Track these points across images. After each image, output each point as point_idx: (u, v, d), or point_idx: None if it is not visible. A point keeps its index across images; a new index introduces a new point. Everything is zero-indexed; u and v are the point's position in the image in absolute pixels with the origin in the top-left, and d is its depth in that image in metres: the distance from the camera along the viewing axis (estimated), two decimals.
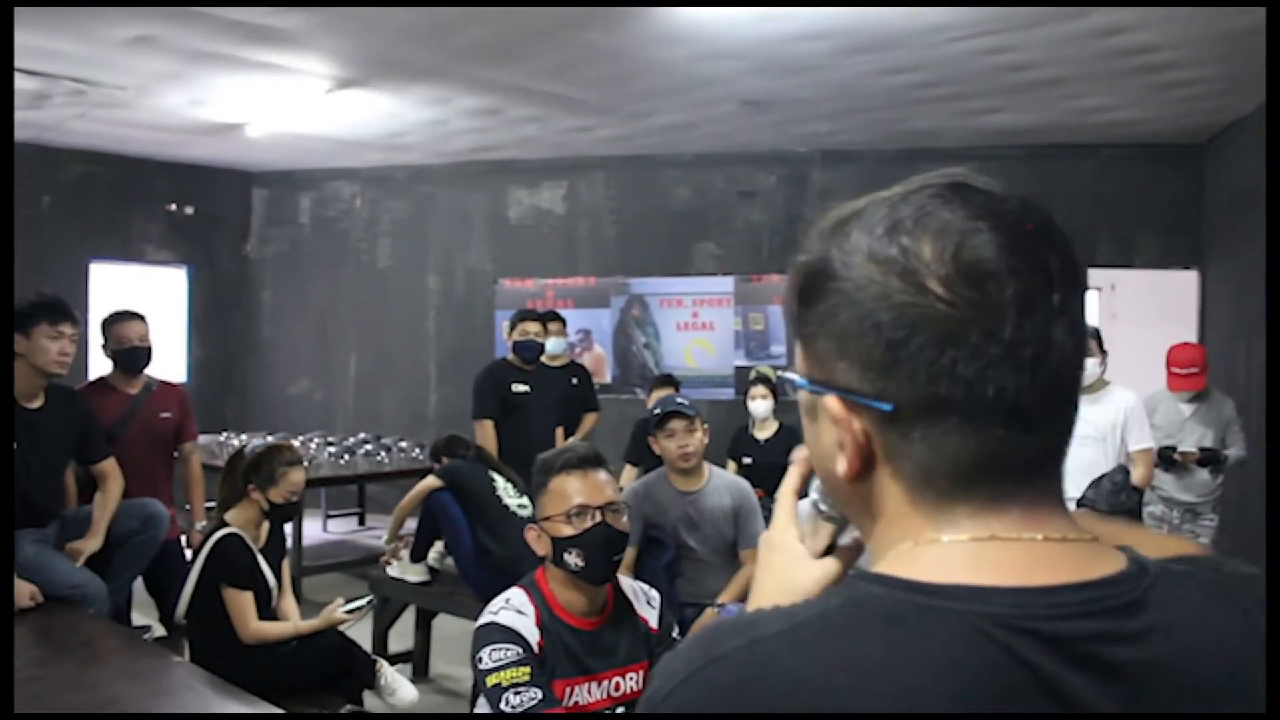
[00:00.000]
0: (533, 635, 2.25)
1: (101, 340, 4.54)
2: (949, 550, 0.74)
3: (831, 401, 0.76)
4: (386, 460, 7.57)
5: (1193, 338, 7.22)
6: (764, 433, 6.08)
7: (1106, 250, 7.98)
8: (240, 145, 8.36)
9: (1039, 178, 7.96)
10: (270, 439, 6.33)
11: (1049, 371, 0.72)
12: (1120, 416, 4.60)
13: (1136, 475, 4.49)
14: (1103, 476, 4.30)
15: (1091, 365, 4.58)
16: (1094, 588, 0.72)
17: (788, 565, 0.94)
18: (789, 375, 0.85)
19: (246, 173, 9.75)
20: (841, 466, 0.77)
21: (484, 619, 2.29)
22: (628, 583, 2.50)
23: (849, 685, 0.68)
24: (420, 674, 5.20)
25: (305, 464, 4.29)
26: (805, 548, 0.94)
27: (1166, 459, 5.11)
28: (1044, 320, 0.72)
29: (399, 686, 4.14)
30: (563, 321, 6.38)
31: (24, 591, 3.57)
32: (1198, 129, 7.30)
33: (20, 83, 6.67)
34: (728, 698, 0.71)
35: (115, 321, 4.55)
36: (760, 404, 6.04)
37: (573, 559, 2.31)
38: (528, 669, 2.18)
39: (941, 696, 0.67)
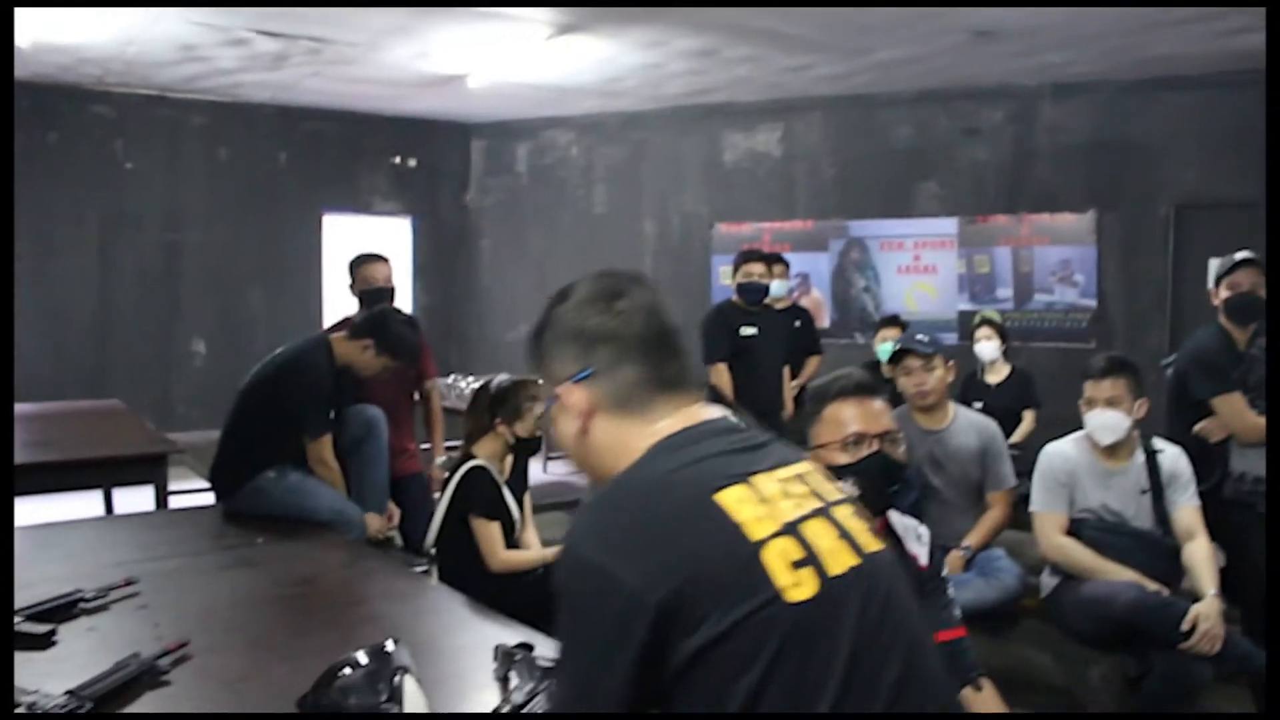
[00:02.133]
0: None
1: (349, 280, 4.74)
2: (672, 422, 1.40)
3: (560, 388, 1.45)
4: None
5: None
6: (995, 376, 5.85)
7: None
8: (460, 97, 8.56)
9: None
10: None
11: (654, 333, 1.43)
12: None
13: None
14: None
15: None
16: (711, 422, 1.43)
17: None
18: (545, 400, 1.54)
19: (466, 124, 10.01)
20: (574, 426, 1.45)
21: None
22: (897, 518, 2.42)
23: (675, 464, 1.33)
24: None
25: None
26: None
27: None
28: (640, 309, 1.44)
29: None
30: (786, 264, 6.31)
31: (374, 522, 3.87)
32: None
33: (262, 45, 7.01)
34: (629, 503, 1.32)
35: (362, 263, 4.74)
36: (986, 345, 5.80)
37: (848, 488, 2.25)
38: None
39: (711, 454, 1.35)
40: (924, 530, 2.43)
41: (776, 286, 6.06)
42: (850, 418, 2.29)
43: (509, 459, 3.97)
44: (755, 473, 1.30)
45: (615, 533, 1.23)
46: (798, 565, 1.23)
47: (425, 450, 5.05)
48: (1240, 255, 4.11)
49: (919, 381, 3.75)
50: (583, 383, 1.40)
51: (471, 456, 3.88)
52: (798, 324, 6.29)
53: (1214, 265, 4.12)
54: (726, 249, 8.24)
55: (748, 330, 5.48)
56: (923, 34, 6.65)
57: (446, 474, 4.05)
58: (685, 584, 1.17)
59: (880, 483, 2.27)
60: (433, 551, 3.97)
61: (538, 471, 8.49)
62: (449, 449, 4.97)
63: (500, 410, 3.89)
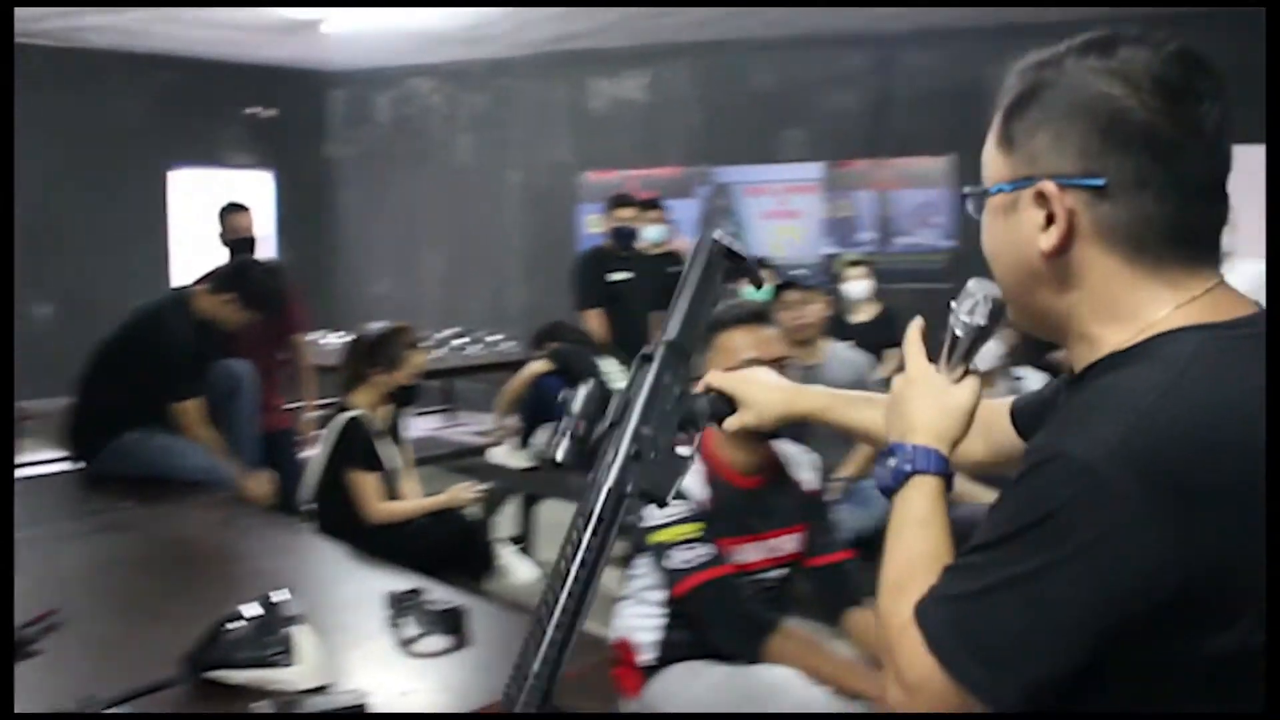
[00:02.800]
0: (699, 492, 2.22)
1: (219, 229, 4.60)
2: (1205, 302, 0.95)
3: (1046, 185, 0.96)
4: (477, 352, 7.59)
5: None
6: (862, 316, 5.97)
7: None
8: (317, 44, 8.27)
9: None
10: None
11: (1219, 163, 0.96)
12: (1251, 284, 4.43)
13: None
14: None
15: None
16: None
17: (939, 391, 1.09)
18: (975, 190, 1.07)
19: (323, 73, 9.68)
20: (1050, 240, 0.96)
21: None
22: (785, 444, 2.46)
23: (1252, 400, 0.88)
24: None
25: None
26: (944, 377, 1.10)
27: None
28: (1216, 125, 0.94)
29: (517, 567, 4.20)
30: (662, 209, 6.31)
31: (254, 485, 3.71)
32: None
33: None
34: (1181, 438, 0.86)
35: (229, 212, 4.61)
36: (861, 284, 5.91)
37: None
38: (698, 525, 2.16)
39: None
40: (812, 456, 2.47)
41: (653, 231, 6.06)
42: (744, 344, 2.31)
43: (386, 409, 3.89)
44: None
45: (1161, 475, 0.84)
46: None
47: (295, 408, 4.93)
48: None
49: (798, 315, 3.81)
50: (1080, 191, 0.94)
51: (346, 408, 3.80)
52: (673, 269, 6.31)
53: None
54: (594, 198, 8.19)
55: (620, 275, 5.48)
56: None
57: (318, 428, 3.96)
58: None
59: None
60: (311, 507, 3.88)
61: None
62: (319, 405, 4.87)
63: (377, 358, 3.82)
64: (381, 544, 3.57)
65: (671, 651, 2.29)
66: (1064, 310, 0.99)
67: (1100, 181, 0.93)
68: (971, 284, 1.11)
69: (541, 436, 4.96)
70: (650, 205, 6.16)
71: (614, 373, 4.65)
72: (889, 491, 1.06)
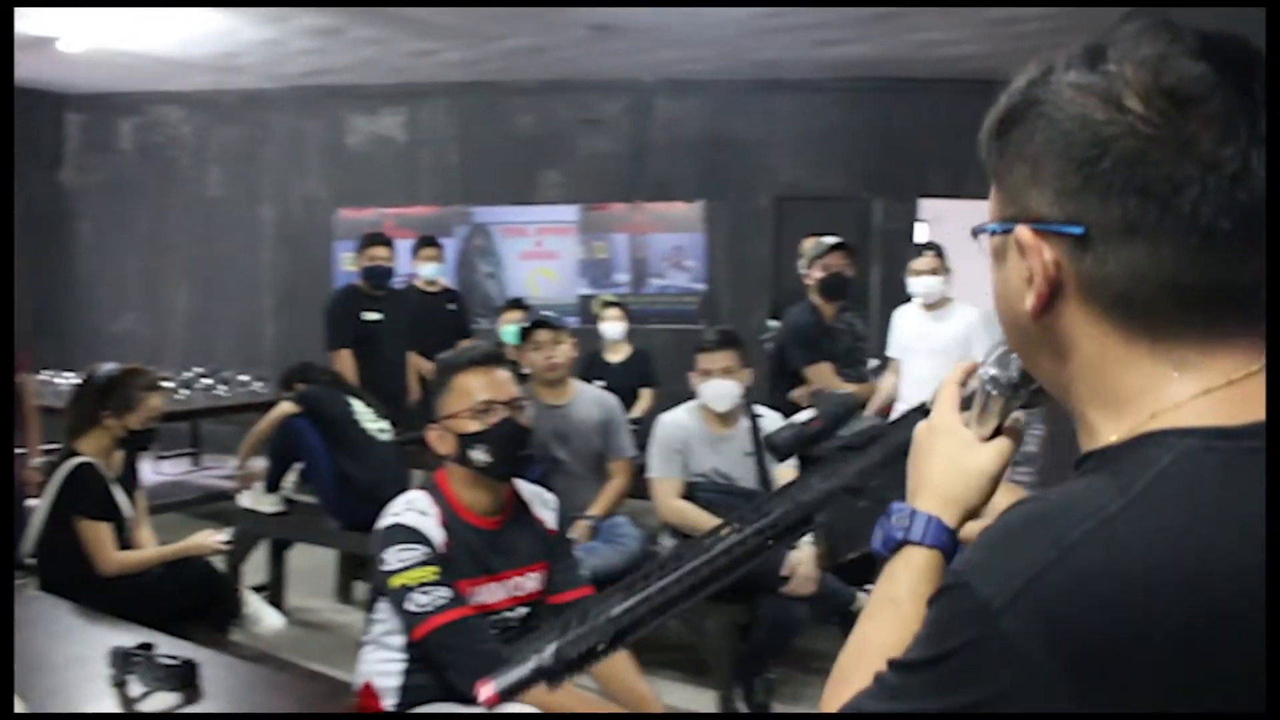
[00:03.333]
0: (437, 536, 2.24)
1: None
2: (1219, 397, 0.73)
3: (1022, 231, 0.77)
4: (225, 392, 7.30)
5: None
6: (616, 356, 6.13)
7: (938, 181, 8.29)
8: (52, 62, 7.80)
9: (878, 110, 8.20)
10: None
11: (1246, 195, 0.70)
12: (963, 331, 4.82)
13: None
14: None
15: (936, 283, 4.78)
16: None
17: (960, 448, 0.93)
18: (976, 227, 0.86)
19: (60, 94, 9.13)
20: (1029, 301, 0.77)
21: (385, 521, 2.27)
22: (525, 485, 2.51)
23: (1227, 545, 0.67)
24: (275, 607, 5.08)
25: None
26: (972, 432, 0.93)
27: None
28: (1245, 144, 0.70)
29: (264, 615, 4.07)
30: (440, 247, 6.36)
31: None
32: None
33: None
34: (1100, 589, 0.66)
35: None
36: (614, 325, 6.08)
37: (479, 454, 2.30)
38: (435, 568, 2.17)
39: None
40: (550, 496, 2.53)
41: (430, 269, 6.19)
42: (478, 386, 2.35)
43: (118, 454, 3.71)
44: None
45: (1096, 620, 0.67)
46: None
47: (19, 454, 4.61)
48: (830, 240, 4.56)
49: (549, 355, 3.88)
50: (1060, 240, 0.76)
51: (75, 453, 3.60)
52: (451, 307, 6.36)
53: (806, 249, 4.55)
54: (349, 235, 8.08)
55: (372, 315, 5.43)
56: (547, 24, 6.83)
57: (43, 476, 3.73)
58: None
59: (511, 448, 2.35)
60: (31, 560, 3.64)
61: (148, 472, 7.96)
62: (46, 450, 4.57)
63: (109, 401, 3.62)
64: (114, 597, 3.38)
65: (415, 695, 2.30)
66: (1064, 384, 0.80)
67: (1078, 229, 0.74)
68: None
69: (290, 480, 4.83)
70: (428, 243, 6.26)
71: (364, 414, 4.59)
72: (882, 552, 0.93)
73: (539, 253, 8.60)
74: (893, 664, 0.76)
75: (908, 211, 8.33)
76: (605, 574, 3.68)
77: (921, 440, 0.96)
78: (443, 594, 2.16)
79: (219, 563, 4.07)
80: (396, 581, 2.17)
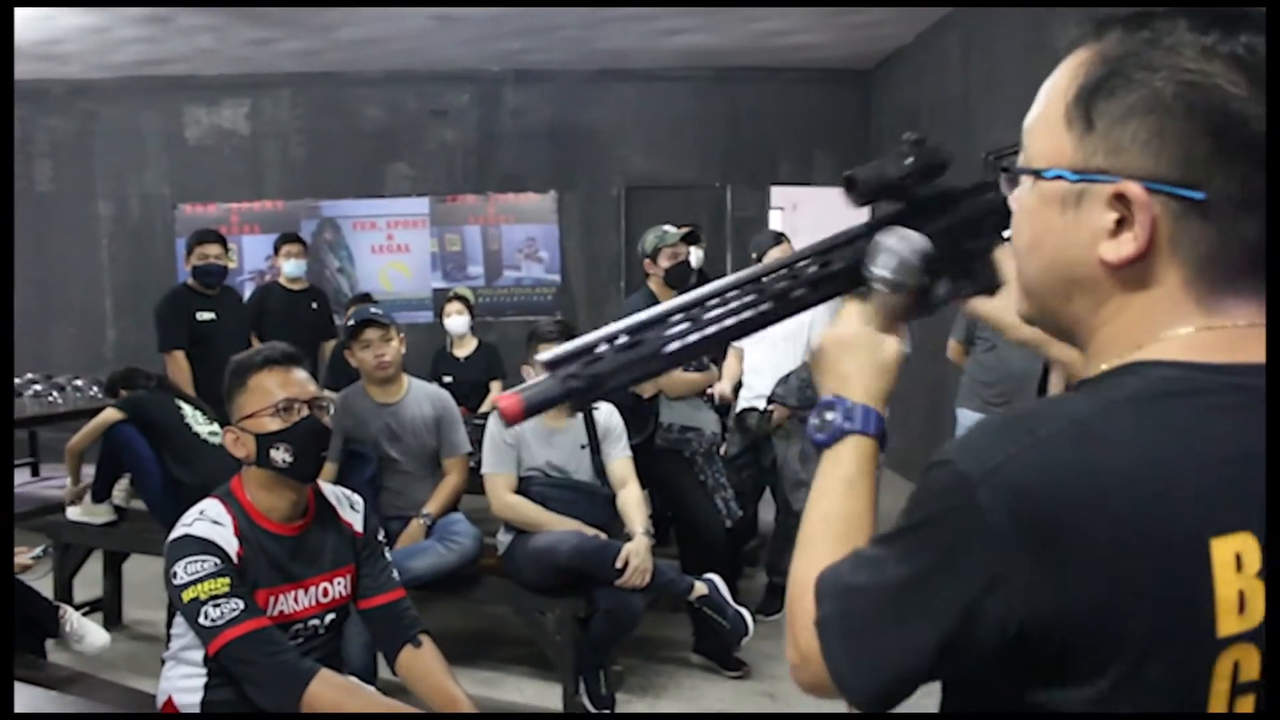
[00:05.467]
0: (231, 545, 2.15)
1: None
2: (1210, 337, 0.80)
3: (1131, 187, 0.78)
4: (60, 401, 6.98)
5: None
6: (463, 350, 6.06)
7: (788, 169, 8.44)
8: None
9: (725, 99, 8.29)
10: None
11: None
12: (807, 317, 4.84)
13: None
14: (790, 374, 4.58)
15: None
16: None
17: (869, 346, 1.03)
18: (1027, 169, 0.87)
19: None
20: (1123, 250, 0.80)
21: (177, 532, 2.17)
22: (329, 488, 2.44)
23: (1179, 452, 0.75)
24: (113, 621, 4.87)
25: None
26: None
27: None
28: None
29: (87, 632, 3.89)
30: (302, 243, 6.21)
31: None
32: (866, 56, 7.80)
33: None
34: (1063, 472, 0.75)
35: None
36: (456, 320, 6.01)
37: (281, 455, 2.23)
38: (227, 580, 2.09)
39: (1252, 457, 0.75)
40: (357, 498, 2.47)
41: (291, 267, 6.11)
42: (277, 385, 2.28)
43: None
44: None
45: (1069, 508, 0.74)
46: (1240, 691, 0.76)
47: None
48: (673, 229, 4.56)
49: (379, 353, 3.80)
50: (1170, 201, 0.78)
51: None
52: (314, 305, 6.21)
53: (648, 238, 4.53)
54: (191, 230, 7.80)
55: (204, 315, 5.25)
56: (386, 14, 6.70)
57: None
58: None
59: (314, 447, 2.29)
60: None
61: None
62: None
63: None
64: None
65: (216, 710, 2.22)
66: (1096, 325, 0.85)
67: (1201, 195, 0.77)
68: (880, 237, 1.03)
69: (121, 488, 4.64)
70: (290, 239, 6.11)
71: (193, 417, 4.43)
72: (823, 446, 1.00)
73: (390, 246, 8.45)
74: (878, 538, 0.85)
75: (760, 199, 8.44)
76: (437, 574, 3.63)
77: (833, 346, 1.05)
78: (235, 606, 2.08)
79: (43, 582, 3.88)
80: (188, 595, 2.08)
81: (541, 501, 3.66)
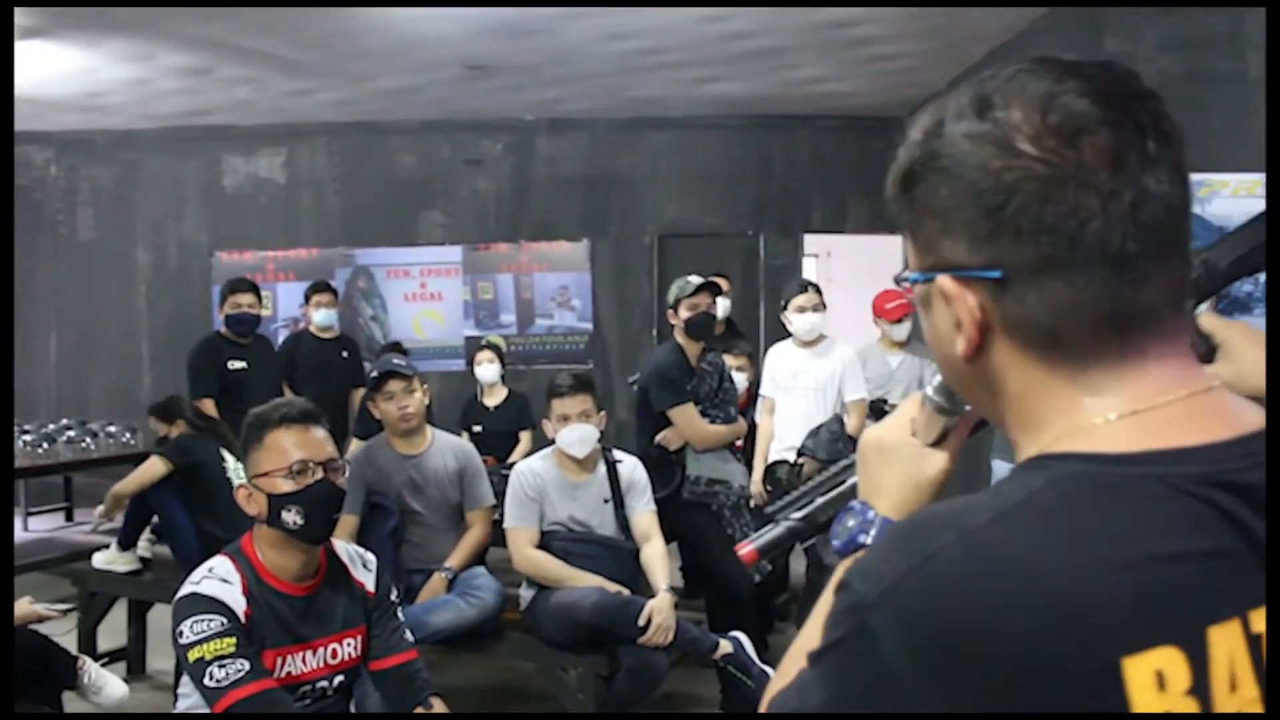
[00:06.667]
0: (239, 604, 2.12)
1: None
2: (1123, 424, 0.74)
3: (944, 281, 0.78)
4: (94, 447, 7.03)
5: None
6: (493, 399, 6.04)
7: (821, 217, 8.40)
8: None
9: (758, 146, 8.28)
10: None
11: (1149, 218, 0.73)
12: (839, 368, 4.80)
13: (851, 425, 4.70)
14: (820, 426, 4.51)
15: (815, 320, 4.77)
16: (1255, 439, 0.74)
17: (910, 460, 0.98)
18: (899, 275, 0.86)
19: None
20: (960, 346, 0.79)
21: (184, 590, 2.14)
22: (342, 546, 2.41)
23: (1078, 564, 0.68)
24: (136, 671, 4.85)
25: None
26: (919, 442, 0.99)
27: (878, 410, 5.39)
28: (1138, 169, 0.73)
29: (105, 683, 3.86)
30: (333, 292, 6.24)
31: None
32: (900, 103, 7.77)
33: None
34: (953, 595, 0.69)
35: None
36: (487, 369, 6.00)
37: (291, 517, 2.19)
38: (233, 639, 2.05)
39: (1169, 558, 0.68)
40: (370, 557, 2.43)
41: (322, 316, 6.14)
42: (293, 445, 2.25)
43: None
44: (1223, 620, 0.69)
45: (945, 614, 0.69)
46: None
47: None
48: (695, 279, 4.52)
49: (403, 404, 3.77)
50: (981, 284, 0.77)
51: None
52: (345, 354, 6.22)
53: (671, 289, 4.51)
54: (227, 279, 7.87)
55: (236, 364, 5.27)
56: (420, 64, 6.76)
57: None
58: None
59: (325, 510, 2.25)
60: None
61: (18, 529, 7.62)
62: None
63: None
64: None
65: None
66: (999, 415, 0.82)
67: (996, 273, 0.75)
68: None
69: (145, 536, 4.64)
70: (321, 289, 6.15)
71: (236, 470, 4.40)
72: (841, 554, 0.97)
73: (423, 294, 8.47)
74: (809, 655, 0.79)
75: (792, 247, 8.40)
76: (461, 629, 3.57)
77: (875, 449, 1.00)
78: (241, 666, 2.04)
79: (66, 635, 3.86)
80: (193, 655, 2.05)
81: (564, 556, 3.60)
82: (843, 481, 1.03)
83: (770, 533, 1.03)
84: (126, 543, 4.62)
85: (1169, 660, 0.66)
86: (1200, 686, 0.67)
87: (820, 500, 1.03)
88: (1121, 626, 0.66)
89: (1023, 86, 0.75)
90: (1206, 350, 1.04)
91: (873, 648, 0.70)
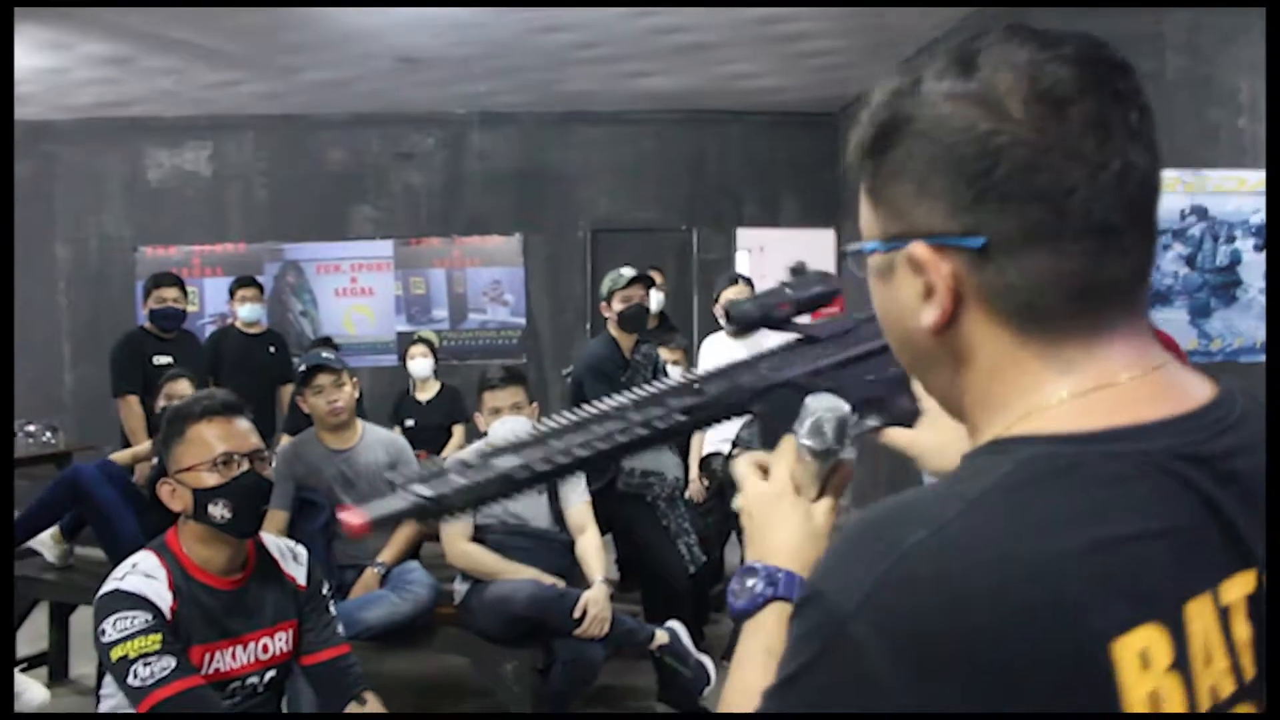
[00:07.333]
0: (164, 600, 2.07)
1: None
2: (1087, 401, 0.72)
3: (917, 249, 0.74)
4: (18, 446, 6.82)
5: None
6: (425, 394, 5.99)
7: (754, 211, 8.45)
8: None
9: (690, 141, 8.30)
10: None
11: (1132, 190, 0.72)
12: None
13: None
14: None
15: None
16: (1217, 407, 0.74)
17: (804, 516, 0.96)
18: (852, 248, 0.82)
19: None
20: (930, 317, 0.75)
21: (107, 587, 2.09)
22: (271, 539, 2.37)
23: (1056, 548, 0.65)
24: (59, 676, 4.73)
25: None
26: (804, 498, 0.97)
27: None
28: (1122, 140, 0.71)
29: (26, 689, 3.78)
30: (258, 287, 6.14)
31: None
32: (831, 99, 7.84)
33: None
34: (931, 590, 0.65)
35: None
36: (420, 363, 5.95)
37: (219, 510, 2.15)
38: (158, 636, 2.00)
39: (1145, 536, 0.67)
40: (301, 550, 2.40)
41: (248, 311, 6.03)
42: (216, 437, 2.20)
43: None
44: (1197, 594, 0.69)
45: (920, 619, 0.66)
46: None
47: None
48: (628, 271, 4.53)
49: (332, 398, 3.72)
50: (957, 253, 0.74)
51: None
52: (273, 349, 6.14)
53: (604, 282, 4.51)
54: (152, 274, 7.71)
55: (161, 359, 5.16)
56: (350, 57, 6.67)
57: None
58: None
59: (253, 502, 2.21)
60: None
61: None
62: None
63: None
64: None
65: None
66: (957, 394, 0.79)
67: (978, 241, 0.72)
68: (810, 401, 0.96)
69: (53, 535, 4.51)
70: (247, 283, 6.05)
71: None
72: (743, 614, 0.94)
73: (354, 289, 8.38)
74: (769, 689, 0.74)
75: (725, 241, 8.44)
76: (392, 624, 3.53)
77: (762, 508, 0.98)
78: (166, 664, 1.99)
79: None
80: (116, 653, 1.99)
81: (499, 549, 3.58)
82: (488, 465, 0.94)
83: (392, 503, 0.94)
84: (70, 532, 4.45)
85: (1152, 638, 0.66)
86: (1181, 662, 0.67)
87: (462, 483, 0.94)
88: (1106, 608, 0.65)
89: (1010, 51, 0.73)
90: (913, 410, 1.02)
91: (857, 659, 0.66)
